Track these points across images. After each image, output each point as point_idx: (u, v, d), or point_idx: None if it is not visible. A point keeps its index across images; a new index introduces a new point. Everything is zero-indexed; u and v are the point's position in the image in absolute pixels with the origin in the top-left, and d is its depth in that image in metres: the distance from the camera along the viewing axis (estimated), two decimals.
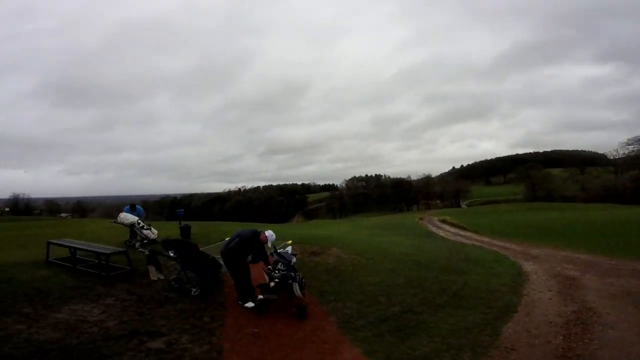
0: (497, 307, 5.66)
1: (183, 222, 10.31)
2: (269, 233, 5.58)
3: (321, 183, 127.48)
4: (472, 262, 9.10)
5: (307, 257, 8.17)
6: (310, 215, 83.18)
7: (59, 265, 6.48)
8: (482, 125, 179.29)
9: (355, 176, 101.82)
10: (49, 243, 6.78)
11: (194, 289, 5.62)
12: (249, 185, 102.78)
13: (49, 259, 6.62)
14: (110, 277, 6.08)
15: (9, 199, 57.32)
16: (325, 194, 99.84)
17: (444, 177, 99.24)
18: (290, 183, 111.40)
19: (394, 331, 4.66)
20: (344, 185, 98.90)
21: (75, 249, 6.70)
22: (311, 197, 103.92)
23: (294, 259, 5.49)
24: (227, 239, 9.54)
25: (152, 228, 8.81)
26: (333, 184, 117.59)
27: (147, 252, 6.07)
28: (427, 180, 79.52)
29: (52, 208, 64.87)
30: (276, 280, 5.05)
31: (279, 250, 5.59)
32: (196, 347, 3.90)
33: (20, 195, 58.12)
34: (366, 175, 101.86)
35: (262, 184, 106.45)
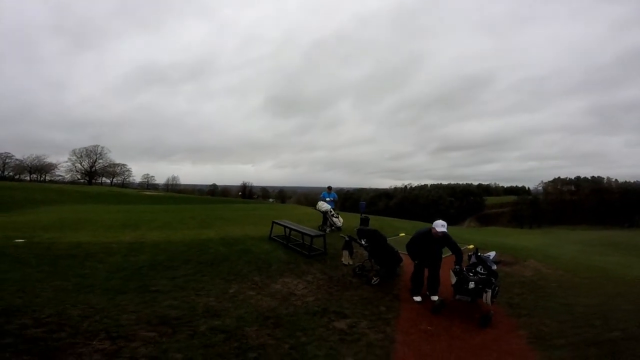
0: None
1: (363, 214, 11.34)
2: (439, 225, 5.16)
3: (505, 185, 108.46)
4: None
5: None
6: (486, 220, 72.27)
7: (277, 242, 8.20)
8: None
9: (559, 177, 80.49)
10: (273, 223, 8.93)
11: (374, 278, 5.96)
12: (415, 183, 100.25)
13: (271, 236, 8.68)
14: (310, 256, 7.17)
15: (239, 186, 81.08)
16: (510, 197, 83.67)
17: None
18: (464, 183, 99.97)
19: (603, 356, 3.64)
20: (540, 188, 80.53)
21: (290, 229, 8.21)
22: (490, 199, 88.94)
23: (495, 266, 5.10)
24: (402, 234, 9.94)
25: (340, 217, 10.23)
26: (522, 187, 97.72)
27: (346, 238, 6.68)
28: None
29: (264, 194, 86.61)
30: (472, 283, 4.75)
31: (480, 254, 5.27)
32: (372, 334, 4.05)
33: (247, 184, 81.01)
34: (577, 178, 78.55)
35: (430, 182, 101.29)
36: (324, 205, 10.04)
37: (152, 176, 70.13)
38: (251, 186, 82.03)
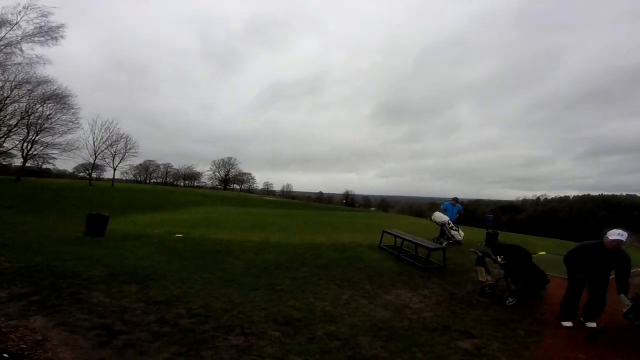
0: None
1: (490, 229, 10.06)
2: (615, 234, 4.25)
3: None
4: None
5: None
6: None
7: (387, 252, 8.07)
8: None
9: None
10: (384, 232, 8.89)
11: (510, 299, 5.25)
12: (552, 194, 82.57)
13: (381, 245, 8.62)
14: (426, 270, 6.74)
15: (342, 194, 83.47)
16: None
17: None
18: (623, 194, 77.17)
19: None
20: None
21: (403, 239, 7.95)
22: None
23: None
24: (541, 253, 8.37)
25: (460, 230, 9.32)
26: None
27: (479, 254, 6.20)
28: None
29: (366, 203, 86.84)
30: None
31: None
32: (505, 358, 3.56)
33: (350, 192, 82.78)
34: None
35: (572, 193, 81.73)
36: (442, 217, 9.32)
37: (271, 184, 79.89)
38: (353, 195, 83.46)
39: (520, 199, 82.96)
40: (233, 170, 71.15)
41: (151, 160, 67.05)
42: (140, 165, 64.11)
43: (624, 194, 75.36)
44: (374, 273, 6.54)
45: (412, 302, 5.20)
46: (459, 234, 9.02)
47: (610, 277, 4.52)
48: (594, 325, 4.45)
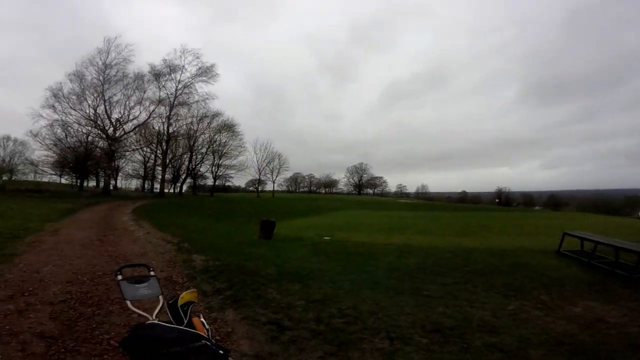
0: None
1: None
2: None
3: None
4: None
5: None
6: None
7: (570, 257, 6.52)
8: None
9: None
10: (564, 234, 7.11)
11: None
12: None
13: (560, 250, 6.91)
14: (633, 278, 5.30)
15: (493, 192, 71.83)
16: None
17: None
18: None
19: None
20: None
21: (596, 242, 6.36)
22: None
23: None
24: None
25: None
26: None
27: None
28: None
29: (526, 201, 71.84)
30: None
31: None
32: None
33: (503, 189, 70.57)
34: None
35: None
36: None
37: (405, 186, 78.19)
38: (508, 191, 70.74)
39: None
40: (365, 175, 73.72)
41: (298, 173, 77.67)
42: (291, 177, 75.19)
43: None
44: (550, 281, 5.53)
45: (610, 316, 4.27)
46: None
47: None
48: None
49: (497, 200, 63.30)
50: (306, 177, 79.76)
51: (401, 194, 75.22)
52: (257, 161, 49.25)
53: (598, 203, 53.61)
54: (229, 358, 1.38)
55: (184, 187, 49.87)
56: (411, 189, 77.87)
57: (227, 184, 54.97)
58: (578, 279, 5.66)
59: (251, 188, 65.30)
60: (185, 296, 1.70)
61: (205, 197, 41.97)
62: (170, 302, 1.66)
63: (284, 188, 76.98)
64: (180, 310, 1.61)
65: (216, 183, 48.79)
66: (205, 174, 48.48)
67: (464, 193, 78.37)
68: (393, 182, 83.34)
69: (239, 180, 61.19)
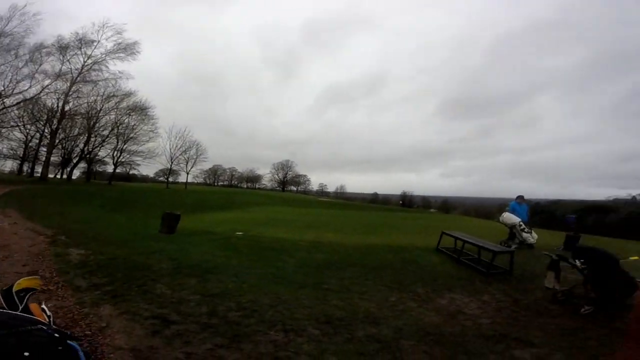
0: None
1: (573, 231, 8.83)
2: None
3: None
4: None
5: None
6: None
7: (446, 254, 7.54)
8: None
9: None
10: (442, 233, 8.25)
11: (586, 307, 4.61)
12: None
13: (439, 247, 8.02)
14: (489, 274, 6.21)
15: (399, 195, 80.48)
16: None
17: None
18: None
19: None
20: None
21: (464, 242, 7.35)
22: None
23: None
24: (634, 257, 7.08)
25: (533, 232, 8.32)
26: None
27: (554, 257, 5.64)
28: None
29: (425, 204, 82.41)
30: None
31: None
32: None
33: (407, 193, 79.50)
34: None
35: None
36: (512, 218, 8.42)
37: (325, 185, 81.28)
38: (411, 195, 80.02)
39: (611, 198, 70.66)
40: (290, 172, 74.11)
41: (219, 165, 73.31)
42: (210, 169, 70.61)
43: None
44: (427, 276, 6.23)
45: (468, 308, 4.87)
46: (531, 236, 8.01)
47: None
48: None
49: (400, 202, 70.80)
50: (227, 170, 76.16)
51: (322, 193, 78.05)
52: (170, 149, 44.55)
53: (478, 209, 64.85)
54: (75, 344, 1.34)
55: (76, 173, 42.35)
56: (331, 188, 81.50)
57: (131, 172, 48.36)
58: (449, 274, 6.39)
59: (161, 178, 59.15)
60: (22, 282, 1.63)
61: (102, 185, 36.25)
62: (4, 288, 1.58)
63: (201, 180, 72.02)
64: (16, 296, 1.54)
65: (117, 170, 42.40)
66: (104, 159, 41.89)
67: (375, 194, 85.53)
68: (316, 180, 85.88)
69: (147, 169, 54.59)
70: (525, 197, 9.42)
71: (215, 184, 75.17)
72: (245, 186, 76.28)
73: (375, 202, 74.27)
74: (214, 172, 73.95)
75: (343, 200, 55.65)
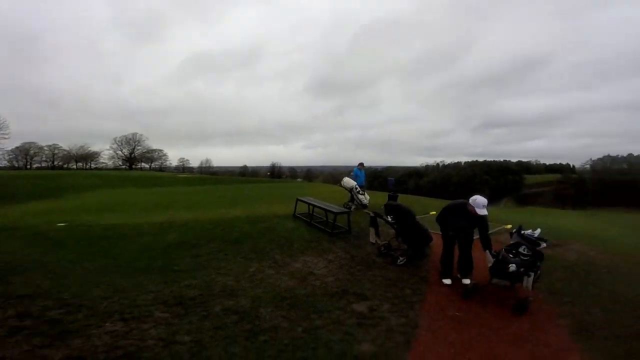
0: None
1: (392, 192, 10.93)
2: (480, 205, 4.48)
3: (547, 162, 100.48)
4: None
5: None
6: (524, 200, 67.07)
7: (301, 220, 8.04)
8: None
9: (608, 155, 72.68)
10: (297, 200, 8.77)
11: (400, 258, 5.58)
12: (449, 160, 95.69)
13: (296, 214, 8.55)
14: (333, 234, 6.91)
15: (268, 166, 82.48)
16: (553, 176, 76.88)
17: None
18: (502, 160, 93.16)
19: None
20: (587, 167, 73.28)
21: (314, 206, 7.98)
22: (530, 178, 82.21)
23: (544, 244, 4.39)
24: (432, 213, 9.43)
25: (366, 194, 9.91)
26: (567, 165, 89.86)
27: (371, 214, 6.28)
28: None
29: (292, 174, 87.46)
30: (513, 265, 4.16)
31: (523, 232, 4.57)
32: (393, 318, 3.78)
33: (276, 164, 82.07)
34: (630, 155, 71.14)
35: (465, 159, 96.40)
36: (349, 182, 9.75)
37: (187, 160, 73.26)
38: (280, 166, 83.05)
39: (424, 164, 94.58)
40: (139, 148, 62.88)
41: (32, 142, 54.68)
42: (17, 148, 52.00)
43: (502, 159, 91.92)
44: (285, 242, 6.46)
45: (317, 268, 5.24)
46: (365, 198, 9.62)
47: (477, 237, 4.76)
48: (467, 281, 4.78)
49: (268, 173, 72.62)
50: (45, 149, 57.68)
51: (183, 169, 70.55)
52: None
53: (335, 176, 73.68)
54: None
55: None
56: (195, 163, 74.78)
57: None
58: (303, 238, 6.70)
59: None
60: None
61: None
62: None
63: (5, 163, 52.25)
64: None
65: None
66: None
67: (245, 167, 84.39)
68: (176, 155, 76.17)
69: None
70: (365, 164, 11.14)
71: (28, 167, 56.14)
72: (75, 167, 60.24)
73: (245, 174, 73.34)
74: (25, 151, 54.88)
75: (209, 176, 52.17)
